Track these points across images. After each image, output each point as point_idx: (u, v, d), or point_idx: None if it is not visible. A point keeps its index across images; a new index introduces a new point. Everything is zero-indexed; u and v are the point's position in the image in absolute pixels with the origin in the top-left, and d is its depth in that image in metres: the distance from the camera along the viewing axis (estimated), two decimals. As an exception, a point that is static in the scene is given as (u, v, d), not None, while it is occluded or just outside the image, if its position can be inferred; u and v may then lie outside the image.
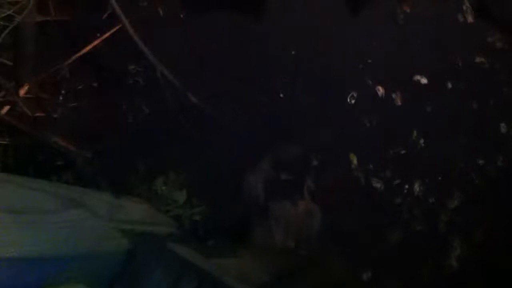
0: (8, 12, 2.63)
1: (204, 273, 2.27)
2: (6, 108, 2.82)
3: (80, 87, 3.07)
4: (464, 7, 2.95)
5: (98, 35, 3.05)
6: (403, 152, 2.93)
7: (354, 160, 2.96)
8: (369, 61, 3.00)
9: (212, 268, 2.38)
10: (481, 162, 2.86)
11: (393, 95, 2.96)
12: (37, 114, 2.94)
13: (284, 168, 2.86)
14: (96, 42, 3.03)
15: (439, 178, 2.90)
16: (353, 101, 2.98)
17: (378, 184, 2.94)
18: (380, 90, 2.96)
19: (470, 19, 3.00)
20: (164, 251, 2.35)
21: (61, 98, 3.04)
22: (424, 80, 2.95)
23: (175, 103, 2.93)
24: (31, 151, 2.93)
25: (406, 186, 2.92)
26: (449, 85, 2.95)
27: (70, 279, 1.98)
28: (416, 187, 2.90)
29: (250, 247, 2.87)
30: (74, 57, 2.98)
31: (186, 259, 2.34)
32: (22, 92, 2.90)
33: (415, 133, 2.92)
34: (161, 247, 2.35)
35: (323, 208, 2.87)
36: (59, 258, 1.95)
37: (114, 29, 2.92)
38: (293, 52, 3.02)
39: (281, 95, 3.01)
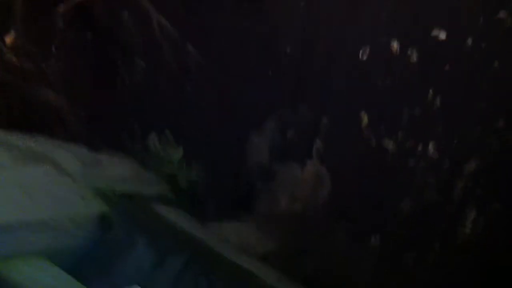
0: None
1: (198, 243, 1.97)
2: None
3: (73, 40, 2.85)
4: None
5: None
6: (417, 111, 2.74)
7: (365, 119, 2.78)
8: (383, 13, 2.77)
9: (208, 236, 2.11)
10: (500, 125, 2.67)
11: (409, 51, 2.75)
12: (26, 66, 2.73)
13: (292, 128, 2.64)
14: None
15: (455, 141, 2.71)
16: (365, 57, 2.77)
17: (390, 146, 2.76)
18: (395, 46, 2.75)
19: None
20: (151, 216, 2.01)
21: (53, 50, 2.83)
22: (442, 36, 2.73)
23: (173, 59, 2.72)
24: (23, 108, 2.73)
25: (420, 148, 2.74)
26: (469, 42, 2.73)
27: (29, 251, 1.60)
28: (431, 149, 2.72)
29: (253, 213, 2.69)
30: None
31: (178, 226, 2.02)
32: (8, 40, 2.69)
33: (431, 92, 2.72)
34: (146, 211, 2.00)
35: (332, 171, 2.69)
36: (13, 225, 1.57)
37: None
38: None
39: (288, 50, 2.80)
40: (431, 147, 2.74)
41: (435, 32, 2.76)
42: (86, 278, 1.66)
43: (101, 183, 2.00)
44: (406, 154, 2.77)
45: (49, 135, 2.59)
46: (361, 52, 2.78)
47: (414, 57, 2.77)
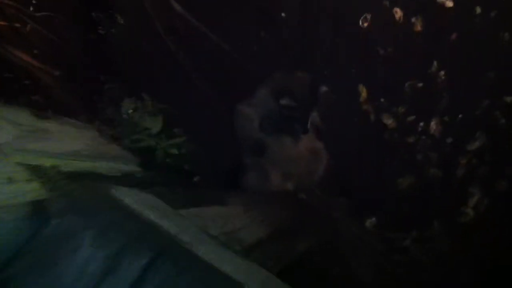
0: None
1: (166, 240, 1.42)
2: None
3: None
4: None
5: None
6: (420, 85, 2.56)
7: (364, 92, 2.59)
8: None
9: (182, 228, 1.52)
10: (508, 99, 2.50)
11: (413, 19, 2.56)
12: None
13: (286, 98, 2.39)
14: None
15: (460, 116, 2.54)
16: (366, 25, 2.57)
17: (389, 121, 2.58)
18: (398, 13, 2.56)
19: None
20: (105, 203, 1.44)
21: (30, 8, 2.57)
22: (449, 3, 2.55)
23: (157, 17, 2.47)
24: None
25: (422, 124, 2.57)
26: (478, 11, 2.55)
27: None
28: (433, 125, 2.55)
29: (241, 193, 2.47)
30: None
31: (141, 217, 1.44)
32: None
33: (435, 64, 2.54)
34: (100, 196, 1.45)
35: (328, 147, 2.49)
36: None
37: None
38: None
39: (283, 14, 2.59)
40: (433, 122, 2.57)
41: (441, -1, 2.58)
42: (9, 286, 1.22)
43: (41, 159, 1.47)
44: (407, 130, 2.60)
45: (24, 98, 2.36)
46: (362, 19, 2.58)
47: (418, 25, 2.58)
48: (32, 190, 1.36)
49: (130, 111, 2.22)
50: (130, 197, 1.53)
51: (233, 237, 1.79)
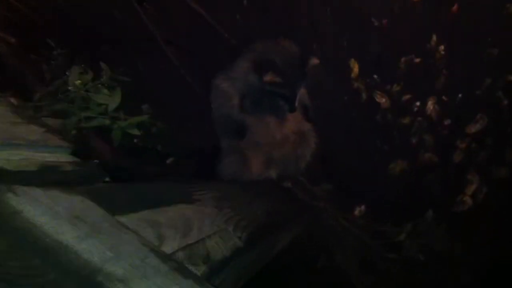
0: None
1: (80, 280, 0.89)
2: None
3: None
4: None
5: None
6: (417, 61, 2.33)
7: (355, 68, 2.33)
8: None
9: (114, 253, 0.96)
10: (512, 78, 2.31)
11: (412, -12, 2.31)
12: None
13: (270, 73, 2.02)
14: None
15: (459, 96, 2.33)
16: (360, -7, 2.30)
17: (382, 100, 2.34)
18: (395, -20, 2.30)
19: None
20: None
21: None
22: (451, -28, 2.31)
23: None
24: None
25: (418, 104, 2.35)
26: (481, -20, 2.32)
27: None
28: (430, 105, 2.33)
29: (214, 185, 2.10)
30: None
31: (45, 238, 0.93)
32: None
33: (434, 38, 2.31)
34: None
35: (316, 129, 2.21)
36: None
37: None
38: None
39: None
40: (430, 102, 2.35)
41: (443, -34, 2.33)
42: None
43: None
44: (401, 110, 2.37)
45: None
46: (355, -15, 2.30)
47: (417, -6, 2.33)
48: None
49: (78, 81, 1.77)
50: (38, 206, 0.95)
51: (198, 252, 1.27)
